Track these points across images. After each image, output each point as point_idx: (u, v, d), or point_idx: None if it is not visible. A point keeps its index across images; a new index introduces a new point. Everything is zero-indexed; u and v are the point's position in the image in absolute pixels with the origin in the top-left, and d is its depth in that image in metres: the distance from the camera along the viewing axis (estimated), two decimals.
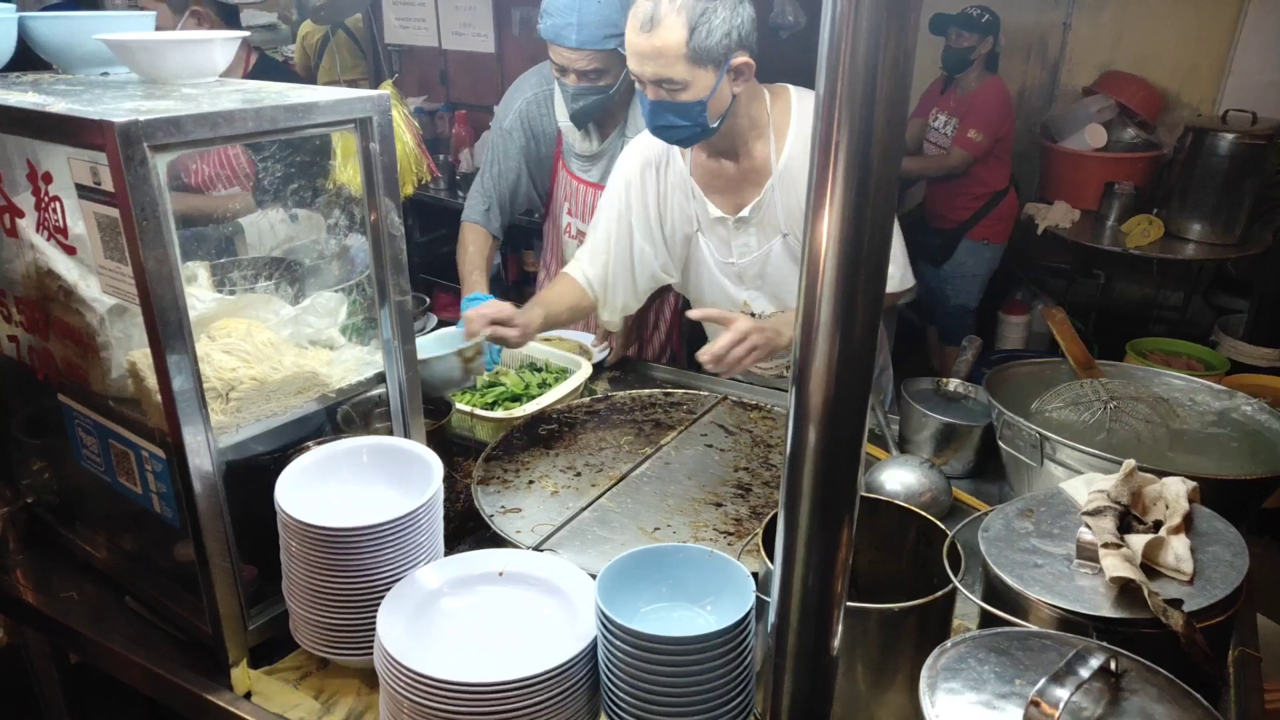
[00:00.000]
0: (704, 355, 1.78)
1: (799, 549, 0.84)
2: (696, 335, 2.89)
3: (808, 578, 0.84)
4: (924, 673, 0.93)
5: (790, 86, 2.00)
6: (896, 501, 1.38)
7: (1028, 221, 4.51)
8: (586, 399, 2.04)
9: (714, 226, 2.09)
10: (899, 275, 2.09)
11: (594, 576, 1.30)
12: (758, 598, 1.18)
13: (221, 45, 1.48)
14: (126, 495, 1.49)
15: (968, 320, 4.53)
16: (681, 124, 1.85)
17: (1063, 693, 0.83)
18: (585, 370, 2.13)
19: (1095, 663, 0.87)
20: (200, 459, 1.29)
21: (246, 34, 1.88)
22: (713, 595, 1.25)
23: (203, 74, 1.48)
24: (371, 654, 1.34)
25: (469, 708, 1.14)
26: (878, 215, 0.71)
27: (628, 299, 2.19)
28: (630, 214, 2.13)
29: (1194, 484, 1.19)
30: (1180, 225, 4.22)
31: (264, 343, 1.42)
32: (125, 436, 1.43)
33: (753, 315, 2.14)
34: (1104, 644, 0.94)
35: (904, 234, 2.19)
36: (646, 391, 2.07)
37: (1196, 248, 4.21)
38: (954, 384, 2.10)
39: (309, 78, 5.25)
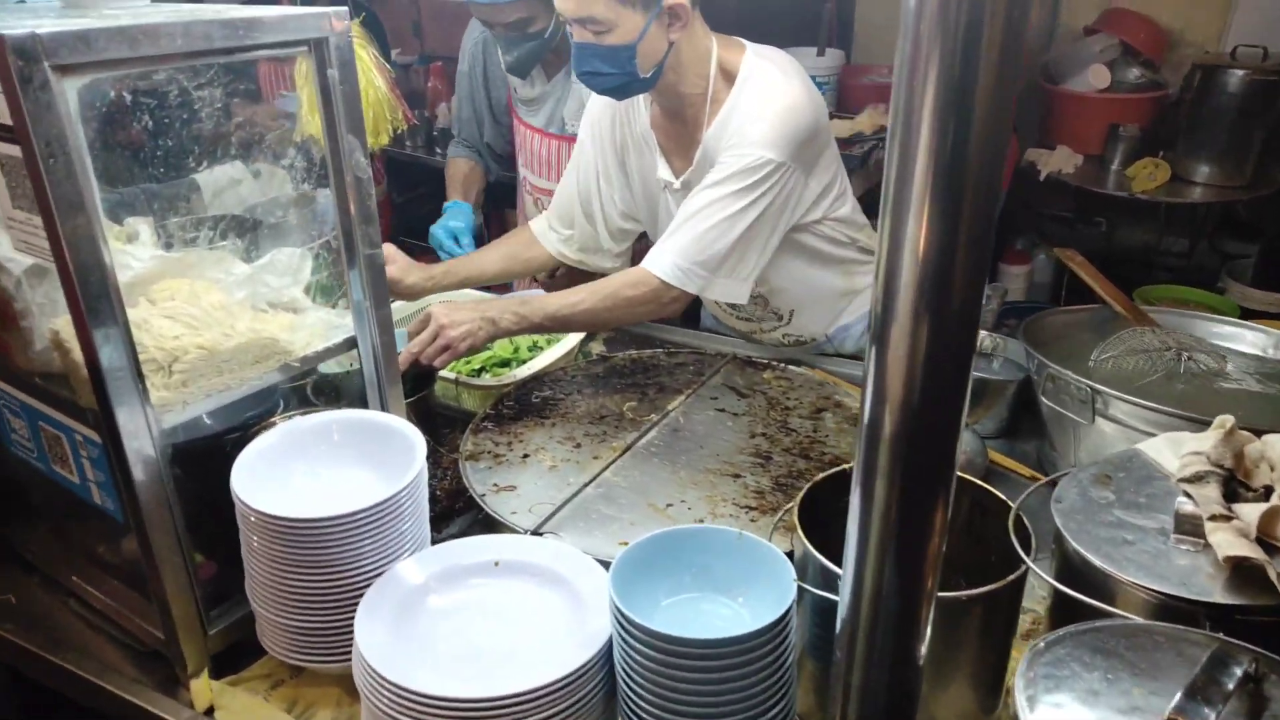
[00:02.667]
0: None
1: (875, 535, 0.66)
2: None
3: (887, 570, 0.67)
4: (1019, 683, 0.77)
5: (747, 44, 1.77)
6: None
7: (1028, 168, 4.33)
8: (582, 361, 1.85)
9: (668, 187, 1.89)
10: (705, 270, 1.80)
11: (603, 563, 1.13)
12: (799, 587, 1.01)
13: None
14: (63, 485, 1.30)
15: None
16: (608, 71, 1.65)
17: (1209, 712, 0.67)
18: (577, 333, 1.94)
19: (1239, 670, 0.71)
20: (139, 442, 1.10)
21: None
22: (744, 584, 1.08)
23: None
24: (351, 659, 1.16)
25: None
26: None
27: (605, 243, 2.05)
28: (597, 156, 1.97)
29: None
30: (1187, 168, 4.06)
31: (213, 306, 1.22)
32: (55, 418, 1.24)
33: None
34: (1237, 642, 0.77)
35: None
36: (647, 351, 1.88)
37: (1204, 190, 4.06)
38: (981, 336, 1.93)
39: None
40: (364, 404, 1.39)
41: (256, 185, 1.89)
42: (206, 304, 1.22)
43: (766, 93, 1.69)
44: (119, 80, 1.05)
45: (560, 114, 2.38)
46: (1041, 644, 0.82)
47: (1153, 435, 1.39)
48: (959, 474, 1.19)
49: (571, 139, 2.33)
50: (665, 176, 1.86)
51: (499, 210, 4.19)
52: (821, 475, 1.17)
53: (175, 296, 1.22)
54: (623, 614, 0.98)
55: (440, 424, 1.75)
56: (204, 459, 1.22)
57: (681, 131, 1.81)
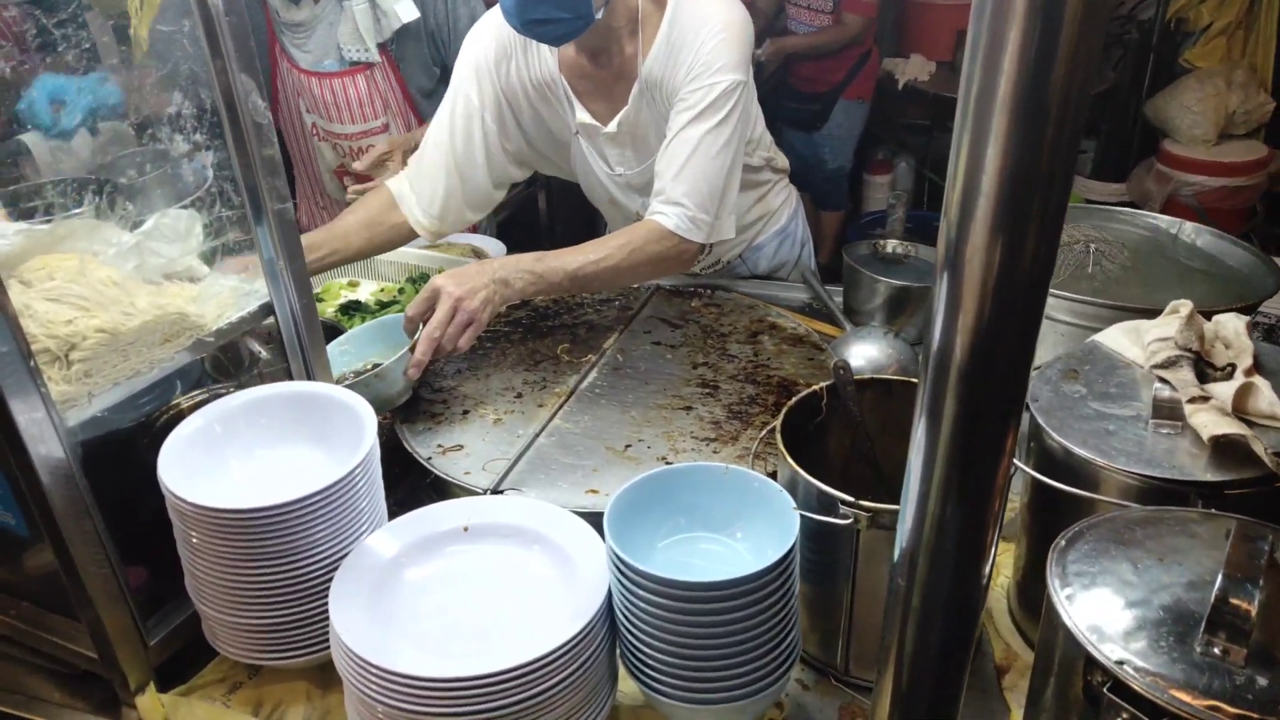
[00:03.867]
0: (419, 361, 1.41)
1: (942, 461, 0.63)
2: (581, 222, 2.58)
3: (952, 496, 0.65)
4: (1053, 583, 0.77)
5: None
6: (913, 380, 1.21)
7: (885, 78, 4.41)
8: (503, 307, 1.76)
9: (589, 133, 1.76)
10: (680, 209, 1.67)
11: (575, 514, 1.08)
12: (801, 518, 0.99)
13: None
14: None
15: (843, 184, 4.43)
16: (562, 16, 1.49)
17: (1253, 589, 0.68)
18: None
19: (1264, 546, 0.73)
20: (44, 445, 0.96)
21: None
22: (738, 520, 1.05)
23: None
24: (319, 650, 1.08)
25: (468, 706, 0.90)
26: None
27: (479, 198, 1.81)
28: (483, 105, 1.73)
29: (1246, 318, 1.07)
30: None
31: (104, 281, 1.07)
32: None
33: None
34: (1252, 520, 0.80)
35: (767, 102, 1.94)
36: None
37: None
38: (892, 244, 1.95)
39: None
40: (285, 375, 1.27)
41: (93, 143, 1.68)
42: (95, 280, 1.07)
43: (706, 10, 1.59)
44: None
45: (334, 40, 2.08)
46: (1062, 542, 0.82)
47: (1083, 329, 1.45)
48: (902, 378, 1.20)
49: (355, 69, 2.10)
50: (586, 120, 1.72)
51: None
52: (795, 399, 1.15)
53: (55, 275, 1.06)
54: (624, 563, 0.94)
55: None
56: (116, 454, 1.08)
57: (605, 71, 1.68)
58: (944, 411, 0.61)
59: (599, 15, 1.53)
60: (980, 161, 0.53)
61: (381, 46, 2.06)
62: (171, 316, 1.10)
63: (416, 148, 1.82)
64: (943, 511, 0.65)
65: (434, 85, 2.17)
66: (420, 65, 2.13)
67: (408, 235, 1.79)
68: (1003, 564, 1.24)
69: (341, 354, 1.48)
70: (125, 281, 1.10)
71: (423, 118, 2.18)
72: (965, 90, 0.53)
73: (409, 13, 1.99)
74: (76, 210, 1.32)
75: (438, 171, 1.74)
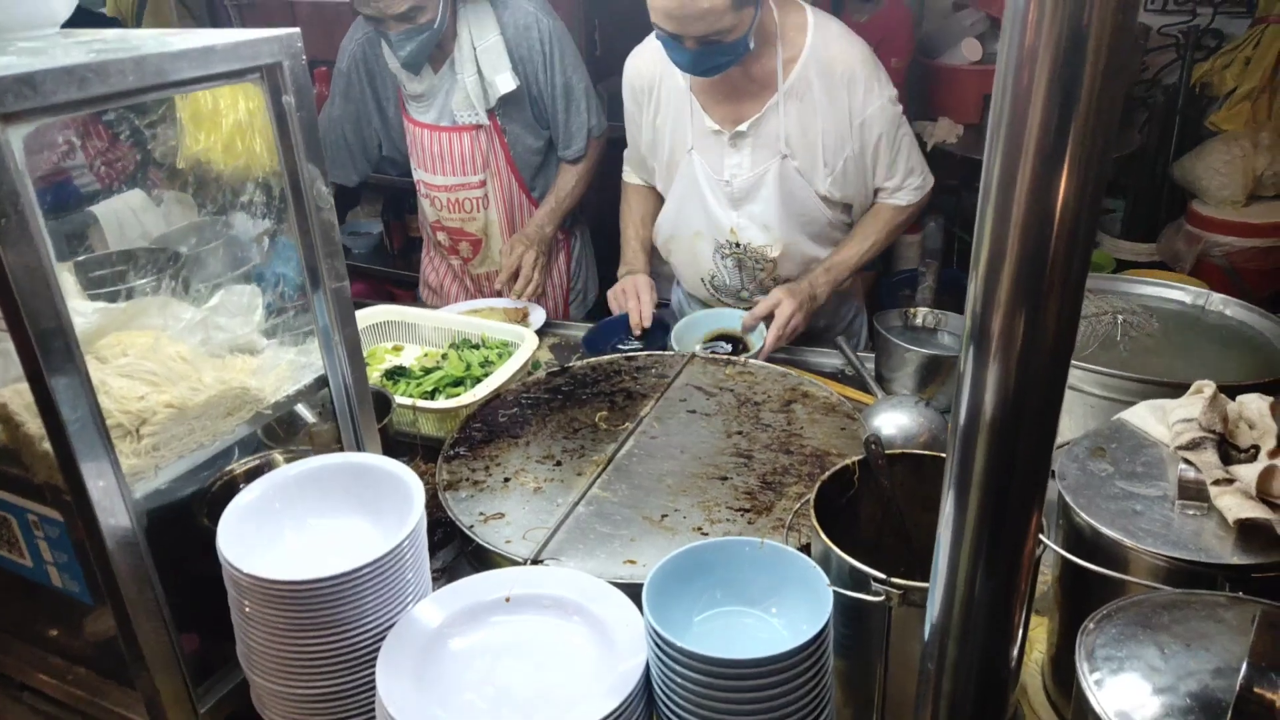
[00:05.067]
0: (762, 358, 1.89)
1: (969, 539, 0.67)
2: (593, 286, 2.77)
3: (980, 574, 0.68)
4: (1082, 666, 0.79)
5: (805, 4, 1.94)
6: (942, 455, 1.23)
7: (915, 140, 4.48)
8: (542, 374, 1.81)
9: (708, 141, 2.01)
10: (910, 187, 2.11)
11: (613, 584, 1.11)
12: (835, 593, 1.02)
13: None
14: (9, 569, 1.19)
15: None
16: (727, 60, 1.82)
17: (1277, 678, 0.70)
18: (531, 341, 1.90)
19: None
20: (114, 517, 1.01)
21: None
22: (773, 595, 1.07)
23: (40, 25, 1.15)
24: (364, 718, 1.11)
25: None
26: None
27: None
28: (639, 114, 2.12)
29: (1271, 399, 1.10)
30: None
31: (174, 358, 1.14)
32: (2, 499, 1.12)
33: (737, 245, 2.09)
34: (1273, 604, 0.82)
35: None
36: (606, 358, 1.86)
37: None
38: (922, 314, 1.99)
39: None
40: (334, 439, 1.32)
41: (159, 214, 1.77)
42: (165, 356, 1.13)
43: (847, 48, 1.93)
44: (66, 123, 0.95)
45: (450, 106, 2.35)
46: (1091, 624, 0.84)
47: (1110, 401, 1.47)
48: (933, 453, 1.23)
49: (462, 128, 2.36)
50: (713, 126, 1.98)
51: (399, 218, 4.07)
52: (828, 474, 1.18)
53: (129, 352, 1.13)
54: (661, 638, 0.97)
55: (400, 451, 1.68)
56: (176, 523, 1.13)
57: (733, 80, 1.92)
58: (972, 481, 0.65)
59: (752, 46, 1.83)
60: (1004, 239, 0.57)
61: (490, 112, 2.33)
62: (235, 391, 1.16)
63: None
64: (971, 588, 0.68)
65: (541, 144, 2.46)
66: (524, 126, 2.41)
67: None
68: (1037, 639, 1.25)
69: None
70: (193, 357, 1.17)
71: (523, 175, 2.47)
72: (987, 172, 0.57)
73: (508, 84, 2.28)
74: (145, 280, 1.40)
75: (642, 160, 2.22)
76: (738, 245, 2.09)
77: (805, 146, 1.96)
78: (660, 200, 2.20)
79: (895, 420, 1.64)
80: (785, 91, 1.91)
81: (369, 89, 2.45)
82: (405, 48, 2.17)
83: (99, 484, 0.99)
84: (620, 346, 2.09)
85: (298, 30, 1.08)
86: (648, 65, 2.04)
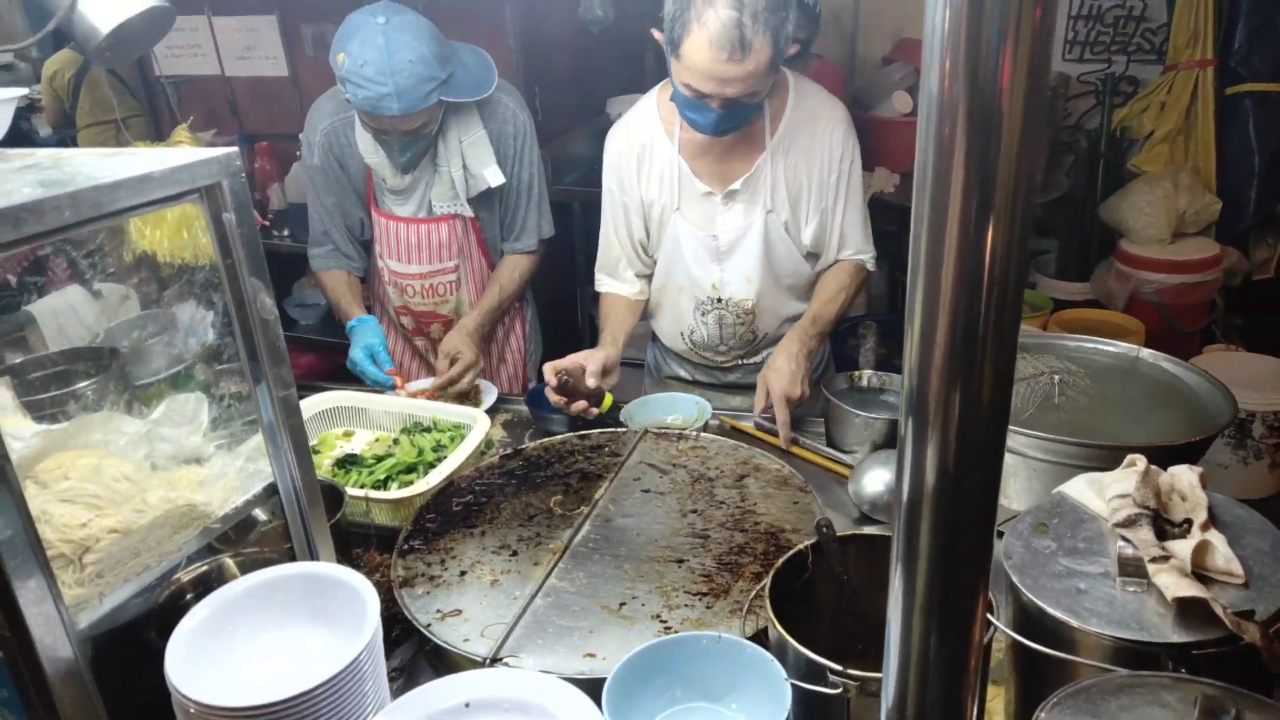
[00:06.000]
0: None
1: (918, 620, 0.68)
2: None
3: (931, 660, 0.69)
4: None
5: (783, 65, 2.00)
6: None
7: None
8: (495, 456, 1.81)
9: (698, 204, 2.06)
10: (869, 251, 2.18)
11: (571, 681, 1.11)
12: (792, 686, 1.03)
13: None
14: None
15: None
16: (745, 120, 1.91)
17: None
18: (483, 423, 1.90)
19: (1229, 717, 0.78)
20: (57, 650, 0.99)
21: (26, 90, 1.53)
22: (734, 689, 1.08)
23: None
24: None
25: None
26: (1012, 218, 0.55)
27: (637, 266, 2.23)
28: (625, 201, 2.13)
29: (1200, 469, 1.14)
30: None
31: (118, 478, 1.12)
32: None
33: (719, 301, 2.14)
34: (1214, 685, 0.85)
35: None
36: (558, 438, 1.86)
37: None
38: (867, 376, 2.03)
39: (65, 122, 4.60)
40: (283, 539, 1.30)
41: (97, 306, 1.74)
42: (108, 478, 1.11)
43: (823, 106, 2.02)
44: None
45: (429, 198, 2.36)
46: (1042, 714, 0.87)
47: (1053, 464, 1.52)
48: (885, 534, 1.25)
49: (440, 218, 2.36)
50: (704, 189, 2.03)
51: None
52: (781, 560, 1.20)
53: (70, 474, 1.11)
54: None
55: (354, 542, 1.66)
56: (121, 642, 1.10)
57: (723, 144, 1.98)
58: (919, 553, 0.65)
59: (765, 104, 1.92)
60: (934, 313, 0.58)
61: (469, 202, 2.36)
62: (181, 509, 1.14)
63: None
64: (924, 673, 0.69)
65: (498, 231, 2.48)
66: (490, 214, 2.44)
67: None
68: (994, 710, 1.27)
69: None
70: (137, 475, 1.15)
71: (494, 259, 2.50)
72: (914, 258, 0.58)
73: (497, 178, 2.30)
74: (86, 384, 1.38)
75: (619, 259, 2.20)
76: (719, 301, 2.14)
77: (790, 201, 2.03)
78: (634, 309, 2.23)
79: (881, 478, 1.67)
80: (773, 148, 1.98)
81: (346, 179, 2.40)
82: (407, 154, 2.21)
83: (39, 618, 0.96)
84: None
85: (235, 150, 1.09)
86: (640, 134, 2.07)
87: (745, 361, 2.28)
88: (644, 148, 2.07)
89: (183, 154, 1.06)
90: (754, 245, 2.06)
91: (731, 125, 1.89)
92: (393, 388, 2.21)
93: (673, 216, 2.08)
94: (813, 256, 2.14)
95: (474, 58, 2.22)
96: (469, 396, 2.22)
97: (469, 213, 2.36)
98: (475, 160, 2.28)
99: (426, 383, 2.27)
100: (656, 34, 1.85)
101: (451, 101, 2.18)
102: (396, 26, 2.02)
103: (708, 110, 1.83)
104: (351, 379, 2.37)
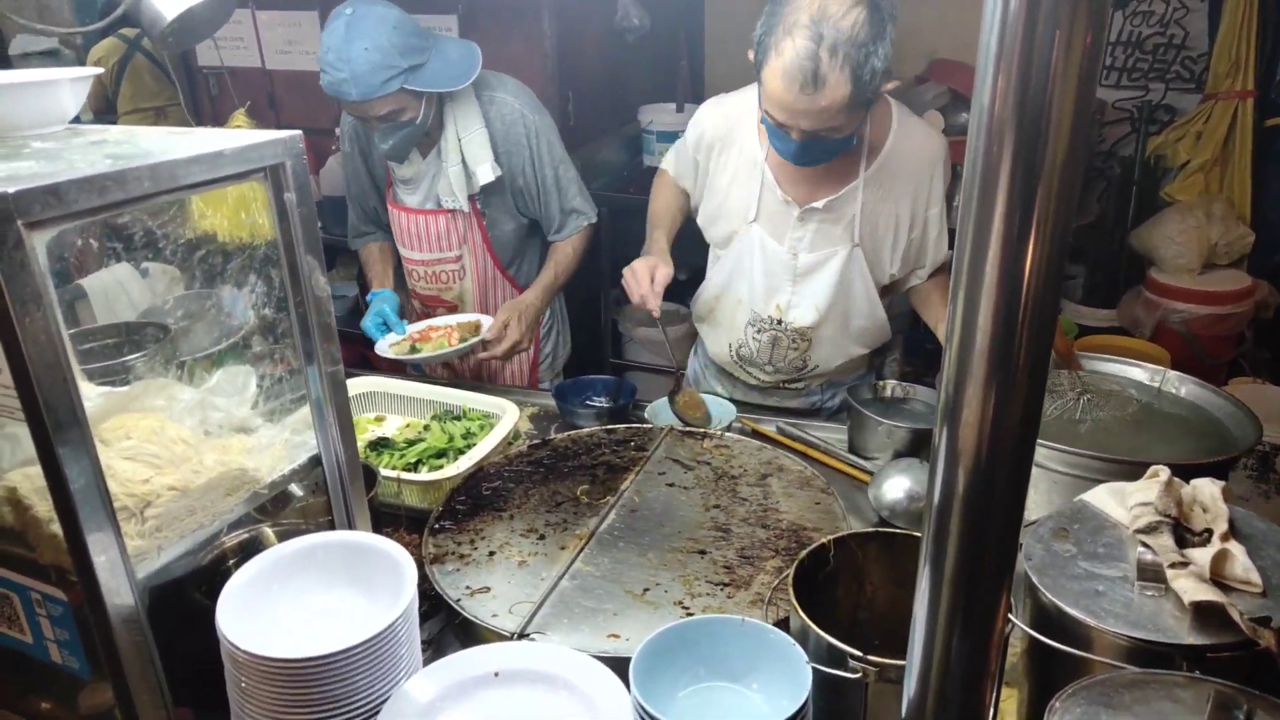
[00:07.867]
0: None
1: (943, 618, 0.72)
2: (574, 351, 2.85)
3: (954, 653, 0.73)
4: None
5: (890, 98, 1.94)
6: (914, 534, 1.29)
7: None
8: (523, 445, 1.86)
9: (776, 214, 2.00)
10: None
11: (597, 658, 1.15)
12: (813, 669, 1.06)
13: (71, 86, 1.22)
14: (5, 644, 1.20)
15: None
16: (830, 154, 1.85)
17: None
18: (512, 413, 1.95)
19: (1240, 714, 0.81)
20: (120, 597, 1.04)
21: (100, 70, 1.59)
22: (756, 671, 1.12)
23: (50, 122, 1.21)
24: None
25: None
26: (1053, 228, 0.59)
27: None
28: (697, 159, 2.11)
29: (1223, 483, 1.17)
30: None
31: (176, 440, 1.17)
32: (3, 577, 1.14)
33: (779, 323, 2.10)
34: (1227, 685, 0.88)
35: None
36: (585, 431, 1.91)
37: None
38: (890, 386, 2.06)
39: (107, 108, 4.71)
40: (324, 512, 1.35)
41: (145, 286, 1.80)
42: (168, 439, 1.17)
43: (926, 142, 2.00)
44: (84, 228, 1.00)
45: (435, 190, 2.45)
46: (1057, 704, 0.90)
47: (1073, 478, 1.54)
48: (907, 532, 1.29)
49: (443, 211, 2.46)
50: (784, 198, 1.98)
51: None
52: (805, 552, 1.24)
53: (131, 435, 1.16)
54: (648, 714, 1.00)
55: (384, 522, 1.71)
56: (172, 599, 1.16)
57: (828, 165, 1.93)
58: (947, 555, 0.70)
59: (855, 141, 1.87)
60: (973, 327, 0.62)
61: (471, 198, 2.43)
62: (234, 472, 1.19)
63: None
64: (946, 664, 0.73)
65: (517, 228, 2.56)
66: (504, 212, 2.51)
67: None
68: (1007, 710, 1.30)
69: None
70: (193, 439, 1.20)
71: (499, 255, 2.57)
72: (958, 263, 0.63)
73: (487, 175, 2.37)
74: (138, 356, 1.44)
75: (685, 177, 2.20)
76: (779, 322, 2.09)
77: (876, 236, 2.00)
78: (687, 202, 2.23)
79: (901, 484, 1.70)
80: (867, 178, 1.94)
81: (364, 168, 2.57)
82: (388, 141, 2.27)
83: (105, 565, 1.02)
84: (589, 403, 2.15)
85: (299, 133, 1.14)
86: (725, 121, 2.04)
87: (787, 385, 2.25)
88: (728, 139, 2.03)
89: (251, 134, 1.12)
90: (831, 275, 2.01)
91: (813, 158, 1.84)
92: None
93: (750, 228, 2.03)
94: (887, 292, 2.12)
95: (460, 52, 2.28)
96: (475, 330, 2.36)
97: (467, 209, 2.44)
98: (472, 157, 2.35)
99: (452, 319, 2.44)
100: (750, 54, 1.80)
101: (450, 99, 2.29)
102: (360, 16, 2.10)
103: (788, 139, 1.80)
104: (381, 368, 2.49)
